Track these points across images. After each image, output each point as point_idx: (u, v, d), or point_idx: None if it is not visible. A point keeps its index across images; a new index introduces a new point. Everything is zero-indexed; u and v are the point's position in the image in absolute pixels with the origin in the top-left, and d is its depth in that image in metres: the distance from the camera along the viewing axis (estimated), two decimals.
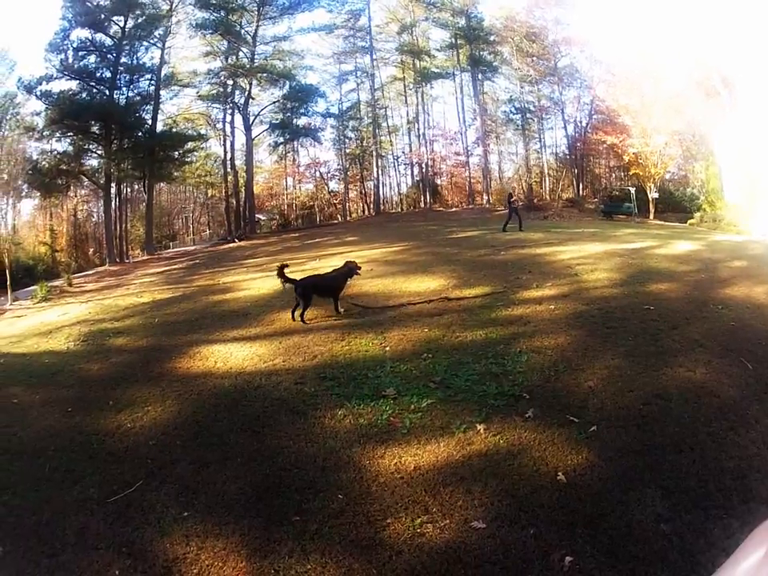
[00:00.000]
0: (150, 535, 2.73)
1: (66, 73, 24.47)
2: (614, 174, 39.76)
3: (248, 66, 29.23)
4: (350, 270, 6.43)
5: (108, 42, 25.50)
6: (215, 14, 28.10)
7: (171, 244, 35.92)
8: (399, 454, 3.23)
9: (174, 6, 26.41)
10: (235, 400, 4.16)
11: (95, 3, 24.62)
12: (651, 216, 26.84)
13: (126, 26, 25.19)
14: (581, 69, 35.31)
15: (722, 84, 25.43)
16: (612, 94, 29.93)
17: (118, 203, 27.80)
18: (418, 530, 2.61)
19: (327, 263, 9.52)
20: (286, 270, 6.23)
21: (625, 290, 7.08)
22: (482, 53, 35.69)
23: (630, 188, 27.74)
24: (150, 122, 27.13)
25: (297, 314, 6.11)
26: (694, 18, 25.08)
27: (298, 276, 6.63)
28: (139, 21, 25.18)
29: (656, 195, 27.47)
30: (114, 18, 25.06)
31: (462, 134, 36.96)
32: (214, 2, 27.52)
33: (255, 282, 9.11)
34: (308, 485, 3.00)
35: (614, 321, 5.67)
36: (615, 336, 5.19)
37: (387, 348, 5.20)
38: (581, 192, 35.34)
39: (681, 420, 3.54)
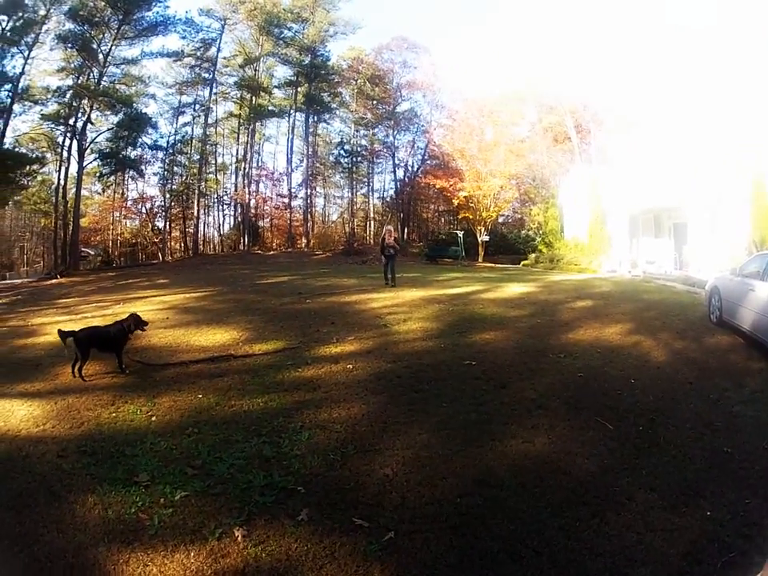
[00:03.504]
0: None
1: None
2: (443, 218, 43.00)
3: (93, 88, 28.36)
4: (132, 324, 5.79)
5: None
6: (80, 27, 27.37)
7: (8, 275, 33.73)
8: (145, 560, 2.57)
9: (49, 12, 25.97)
10: (6, 470, 3.58)
11: None
12: (480, 259, 27.92)
13: (6, 28, 24.00)
14: (421, 113, 37.85)
15: (575, 130, 28.27)
16: (449, 139, 31.35)
17: None
18: None
19: (129, 308, 9.08)
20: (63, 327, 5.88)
21: (441, 343, 6.42)
22: (321, 93, 36.60)
23: (458, 231, 28.20)
24: None
25: (77, 368, 5.55)
26: (553, 65, 27.29)
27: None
28: (17, 24, 24.46)
29: (486, 238, 28.99)
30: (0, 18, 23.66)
31: (288, 176, 37.50)
32: (83, 13, 26.93)
33: (58, 326, 8.39)
34: None
35: (424, 382, 4.97)
36: (426, 402, 4.48)
37: (154, 418, 4.37)
38: (406, 236, 37.05)
39: (515, 514, 2.82)
